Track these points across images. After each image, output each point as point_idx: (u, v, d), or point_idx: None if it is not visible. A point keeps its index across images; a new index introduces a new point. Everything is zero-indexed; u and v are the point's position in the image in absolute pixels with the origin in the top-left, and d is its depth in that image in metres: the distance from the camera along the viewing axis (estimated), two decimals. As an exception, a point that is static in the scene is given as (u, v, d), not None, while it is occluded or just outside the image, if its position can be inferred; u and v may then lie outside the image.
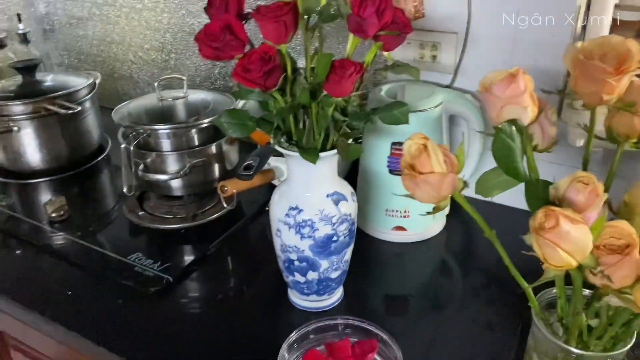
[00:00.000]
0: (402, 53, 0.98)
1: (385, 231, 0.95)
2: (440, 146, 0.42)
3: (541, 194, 0.43)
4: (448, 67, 0.96)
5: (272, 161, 1.01)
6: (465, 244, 0.97)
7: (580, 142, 0.78)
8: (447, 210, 0.98)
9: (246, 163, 0.86)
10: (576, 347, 0.49)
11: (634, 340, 0.48)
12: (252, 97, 0.66)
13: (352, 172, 1.03)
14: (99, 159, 1.24)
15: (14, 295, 0.85)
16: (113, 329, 0.78)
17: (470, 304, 0.82)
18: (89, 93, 1.19)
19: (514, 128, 0.46)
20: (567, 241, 0.37)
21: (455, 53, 0.95)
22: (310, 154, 0.66)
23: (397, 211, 0.92)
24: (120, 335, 0.77)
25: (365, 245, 0.95)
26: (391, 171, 0.90)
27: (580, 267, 0.40)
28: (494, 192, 0.51)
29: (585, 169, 0.48)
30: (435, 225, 0.96)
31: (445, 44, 0.95)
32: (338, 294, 0.82)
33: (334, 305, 0.81)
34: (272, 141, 0.69)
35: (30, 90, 1.15)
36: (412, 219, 0.93)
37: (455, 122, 1.01)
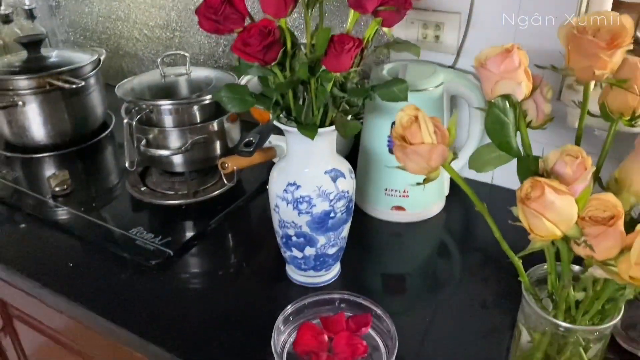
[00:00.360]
0: (405, 32, 0.98)
1: (384, 211, 0.95)
2: (431, 118, 0.43)
3: (532, 168, 0.43)
4: (451, 48, 0.96)
5: (273, 139, 1.01)
6: (464, 225, 0.97)
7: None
8: (446, 190, 0.99)
9: (246, 140, 0.87)
10: (564, 322, 0.49)
11: (621, 314, 0.49)
12: (252, 72, 0.67)
13: (353, 152, 1.03)
14: (102, 135, 1.25)
15: (17, 265, 0.87)
16: (113, 300, 0.79)
17: (466, 283, 0.83)
18: (94, 69, 1.20)
19: (507, 103, 0.46)
20: (552, 211, 0.37)
21: (459, 33, 0.94)
22: (309, 129, 0.67)
23: (396, 191, 0.93)
24: (120, 307, 0.78)
25: (364, 224, 0.95)
26: (391, 151, 0.90)
27: (566, 239, 0.40)
28: (488, 168, 0.51)
29: (577, 144, 0.48)
30: (434, 205, 0.97)
31: (449, 24, 0.95)
32: (335, 270, 0.83)
33: (331, 282, 0.82)
34: (271, 116, 0.70)
35: (35, 66, 1.16)
36: (411, 198, 0.93)
37: (459, 107, 1.00)
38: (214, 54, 1.31)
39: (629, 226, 0.40)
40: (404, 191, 0.92)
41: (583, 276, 0.42)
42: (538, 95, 0.51)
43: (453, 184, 0.99)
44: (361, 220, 0.96)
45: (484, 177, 1.03)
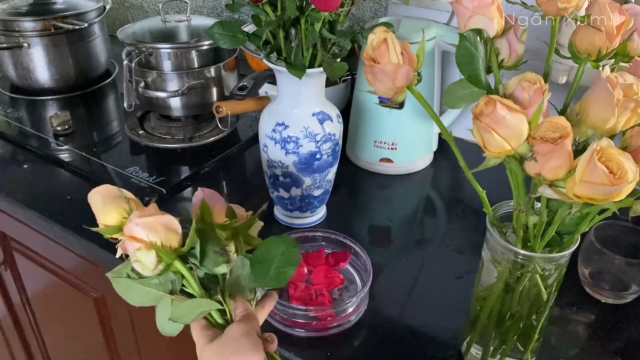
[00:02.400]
0: (402, -11, 1.00)
1: (373, 162, 0.98)
2: (401, 42, 0.45)
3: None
4: (447, 5, 0.97)
5: (270, 90, 1.04)
6: (450, 180, 1.00)
7: (564, 79, 0.80)
8: (434, 146, 1.01)
9: (240, 84, 0.89)
10: (522, 249, 0.52)
11: (576, 245, 0.52)
12: (244, 10, 0.69)
13: (347, 108, 1.05)
14: (105, 82, 1.28)
15: (17, 196, 0.91)
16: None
17: (446, 232, 0.86)
18: (98, 16, 1.22)
19: (478, 37, 0.49)
20: (502, 126, 0.40)
21: (455, -9, 0.96)
22: (297, 69, 0.69)
23: (385, 143, 0.95)
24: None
25: (353, 175, 0.98)
26: (381, 102, 0.92)
27: (518, 158, 0.43)
28: (461, 104, 0.53)
29: (545, 81, 0.51)
30: (421, 159, 0.99)
31: (446, -18, 0.96)
32: (320, 213, 0.87)
33: (316, 224, 0.86)
34: (262, 55, 0.72)
35: (41, 9, 1.18)
36: (399, 151, 0.96)
37: (452, 64, 1.02)
38: (217, 7, 1.33)
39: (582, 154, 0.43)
40: (393, 144, 0.95)
41: (534, 195, 0.45)
42: (512, 35, 0.52)
43: (441, 140, 1.02)
44: (350, 171, 0.99)
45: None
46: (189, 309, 0.47)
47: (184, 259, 0.48)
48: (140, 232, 0.45)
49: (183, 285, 0.48)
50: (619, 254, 0.70)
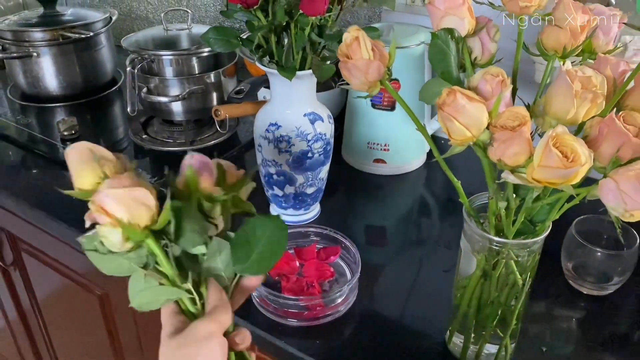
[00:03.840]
0: (394, -4, 1.03)
1: (367, 163, 1.01)
2: (373, 40, 0.49)
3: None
4: (437, 11, 1.01)
5: (267, 94, 1.08)
6: (442, 180, 1.03)
7: (547, 79, 0.83)
8: (427, 147, 1.04)
9: (238, 88, 0.93)
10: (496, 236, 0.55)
11: (547, 232, 0.54)
12: (238, 16, 0.73)
13: (343, 113, 1.09)
14: (111, 90, 1.33)
15: (26, 197, 0.95)
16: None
17: (436, 228, 0.89)
18: (104, 26, 1.27)
19: (449, 35, 0.52)
20: (463, 115, 0.43)
21: (445, -2, 0.99)
22: (288, 71, 0.73)
23: (377, 144, 0.98)
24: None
25: (347, 176, 1.02)
26: (374, 105, 0.96)
27: (481, 146, 0.46)
28: (436, 99, 0.57)
29: (514, 78, 0.54)
30: (414, 160, 1.02)
31: (436, -11, 0.99)
32: (314, 211, 0.90)
33: (310, 221, 0.89)
34: (254, 58, 0.76)
35: (50, 20, 1.24)
36: (391, 152, 0.99)
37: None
38: (219, 17, 1.38)
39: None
40: (385, 145, 0.98)
41: (499, 182, 0.48)
42: (484, 34, 0.56)
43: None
44: (345, 172, 1.02)
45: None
46: (153, 296, 0.43)
47: (160, 233, 0.43)
48: (109, 205, 0.40)
49: (157, 262, 0.44)
50: (600, 247, 0.73)
